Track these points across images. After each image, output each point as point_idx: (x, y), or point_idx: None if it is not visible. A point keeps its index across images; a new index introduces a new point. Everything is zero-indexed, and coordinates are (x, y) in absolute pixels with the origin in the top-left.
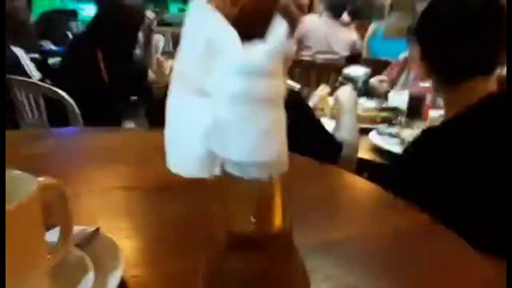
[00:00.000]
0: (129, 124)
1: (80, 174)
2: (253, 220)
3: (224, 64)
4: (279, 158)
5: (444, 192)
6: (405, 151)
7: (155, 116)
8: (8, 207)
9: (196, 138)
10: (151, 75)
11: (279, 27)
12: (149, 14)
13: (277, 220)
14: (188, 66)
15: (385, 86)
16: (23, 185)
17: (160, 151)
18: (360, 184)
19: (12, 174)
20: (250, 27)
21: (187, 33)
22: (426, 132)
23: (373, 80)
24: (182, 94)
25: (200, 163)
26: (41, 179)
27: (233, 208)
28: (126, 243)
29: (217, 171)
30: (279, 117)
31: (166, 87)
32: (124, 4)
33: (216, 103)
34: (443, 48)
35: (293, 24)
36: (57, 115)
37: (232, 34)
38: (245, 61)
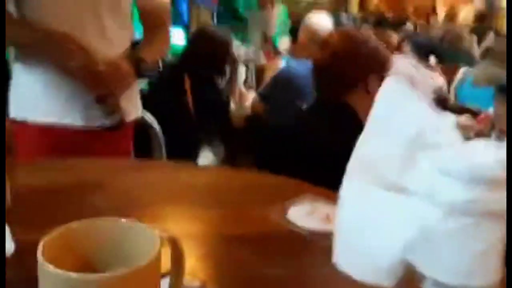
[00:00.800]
0: (206, 152)
1: (174, 216)
2: None
3: (442, 164)
4: (493, 284)
5: None
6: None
7: (233, 146)
8: (141, 264)
9: (392, 245)
10: (232, 105)
11: None
12: (237, 46)
13: None
14: (380, 155)
15: (470, 128)
16: (145, 238)
17: (253, 195)
18: None
19: (135, 226)
20: (341, 69)
21: (379, 115)
22: None
23: (459, 120)
24: (367, 186)
25: (389, 272)
26: (161, 232)
27: None
28: None
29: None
30: (501, 236)
31: (245, 118)
32: (213, 33)
33: (426, 209)
34: None
35: (385, 64)
36: (138, 141)
37: (451, 128)
38: (475, 166)
